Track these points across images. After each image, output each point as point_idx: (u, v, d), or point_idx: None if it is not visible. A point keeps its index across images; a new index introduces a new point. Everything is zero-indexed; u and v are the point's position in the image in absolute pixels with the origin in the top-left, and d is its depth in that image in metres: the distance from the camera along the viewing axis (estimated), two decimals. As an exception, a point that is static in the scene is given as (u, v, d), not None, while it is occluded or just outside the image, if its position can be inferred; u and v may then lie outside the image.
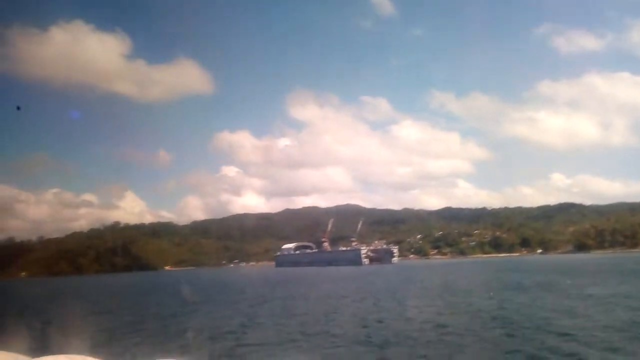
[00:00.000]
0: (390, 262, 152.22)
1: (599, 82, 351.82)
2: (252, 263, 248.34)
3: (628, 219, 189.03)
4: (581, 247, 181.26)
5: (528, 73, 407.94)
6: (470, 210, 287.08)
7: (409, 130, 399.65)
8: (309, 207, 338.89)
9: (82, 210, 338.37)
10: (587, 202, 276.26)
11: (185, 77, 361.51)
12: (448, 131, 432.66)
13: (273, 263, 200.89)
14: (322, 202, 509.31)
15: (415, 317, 24.86)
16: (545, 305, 27.24)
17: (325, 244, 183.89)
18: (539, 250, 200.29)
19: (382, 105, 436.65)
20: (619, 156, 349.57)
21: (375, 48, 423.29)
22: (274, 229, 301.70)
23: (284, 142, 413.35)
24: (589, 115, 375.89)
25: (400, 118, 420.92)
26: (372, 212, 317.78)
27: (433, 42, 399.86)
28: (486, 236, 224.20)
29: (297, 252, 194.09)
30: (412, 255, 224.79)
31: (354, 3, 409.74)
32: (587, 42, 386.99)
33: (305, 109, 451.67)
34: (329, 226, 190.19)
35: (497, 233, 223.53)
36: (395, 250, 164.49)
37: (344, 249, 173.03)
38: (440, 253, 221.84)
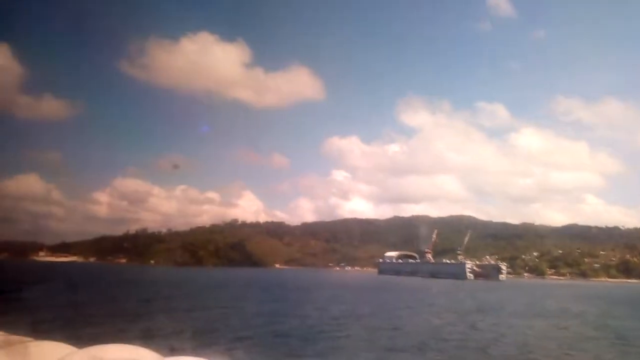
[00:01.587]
0: (497, 278, 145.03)
1: None
2: (357, 268, 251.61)
3: None
4: None
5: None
6: (598, 228, 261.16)
7: (529, 138, 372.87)
8: (418, 216, 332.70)
9: (206, 207, 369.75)
10: None
11: (298, 83, 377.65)
12: (575, 140, 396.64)
13: (377, 269, 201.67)
14: (433, 211, 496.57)
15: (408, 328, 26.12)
16: (522, 331, 27.56)
17: (428, 255, 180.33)
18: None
19: (499, 112, 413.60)
20: None
21: (491, 51, 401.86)
22: (381, 235, 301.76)
23: (393, 148, 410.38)
24: None
25: (520, 125, 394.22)
26: (486, 224, 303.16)
27: (558, 43, 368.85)
28: (613, 258, 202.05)
29: (400, 261, 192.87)
30: (526, 274, 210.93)
31: (469, 5, 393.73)
32: None
33: (416, 115, 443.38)
34: (433, 237, 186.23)
35: (628, 256, 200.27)
36: (504, 266, 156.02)
37: (448, 261, 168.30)
38: (557, 273, 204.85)
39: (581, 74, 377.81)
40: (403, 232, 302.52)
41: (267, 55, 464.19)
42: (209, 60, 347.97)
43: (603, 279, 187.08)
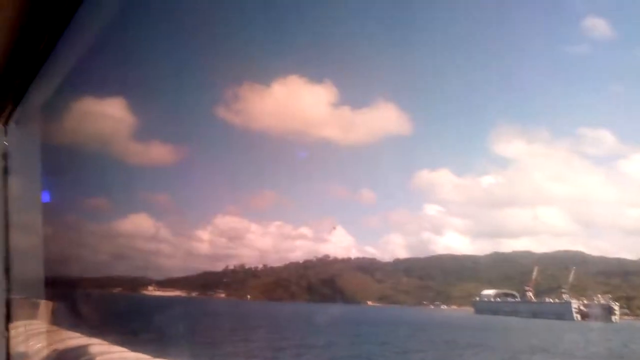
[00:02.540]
0: (608, 320, 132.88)
1: None
2: (453, 307, 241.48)
3: None
4: None
5: None
6: None
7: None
8: (520, 252, 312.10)
9: (299, 242, 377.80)
10: None
11: (385, 119, 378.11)
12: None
13: (473, 308, 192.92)
14: (536, 246, 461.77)
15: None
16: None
17: (529, 294, 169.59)
18: None
19: (605, 138, 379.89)
20: None
21: (591, 75, 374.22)
22: (479, 272, 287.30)
23: (487, 180, 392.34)
24: None
25: (630, 151, 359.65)
26: (597, 260, 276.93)
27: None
28: None
29: (498, 299, 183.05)
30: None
31: (563, 28, 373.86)
32: None
33: (511, 145, 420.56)
34: (534, 274, 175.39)
35: None
36: (616, 306, 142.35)
37: (551, 300, 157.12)
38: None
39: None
40: (503, 269, 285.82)
41: (353, 93, 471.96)
42: (298, 103, 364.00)
43: None
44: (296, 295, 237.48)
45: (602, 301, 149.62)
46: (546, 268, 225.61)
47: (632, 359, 34.45)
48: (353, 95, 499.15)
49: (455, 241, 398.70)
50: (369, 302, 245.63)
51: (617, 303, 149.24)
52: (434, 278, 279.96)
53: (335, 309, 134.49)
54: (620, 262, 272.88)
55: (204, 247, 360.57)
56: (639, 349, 44.96)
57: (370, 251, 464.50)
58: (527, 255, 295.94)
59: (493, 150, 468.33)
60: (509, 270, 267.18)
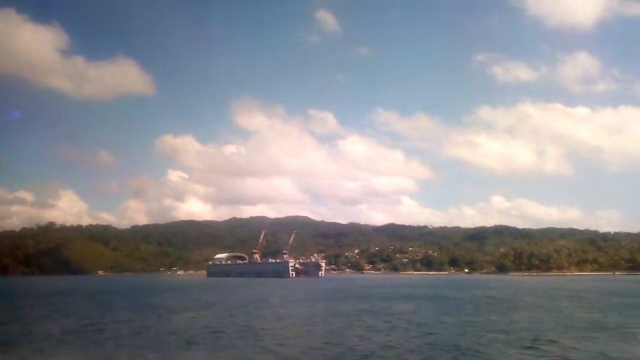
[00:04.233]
0: (317, 275, 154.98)
1: (532, 112, 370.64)
2: (190, 272, 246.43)
3: (546, 244, 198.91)
4: (501, 268, 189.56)
5: (468, 98, 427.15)
6: (411, 227, 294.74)
7: (355, 145, 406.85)
8: (257, 217, 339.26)
9: (15, 208, 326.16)
10: (524, 225, 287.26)
11: (124, 76, 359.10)
12: (393, 149, 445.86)
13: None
14: (270, 212, 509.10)
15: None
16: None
17: (256, 255, 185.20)
18: (466, 270, 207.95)
19: (329, 120, 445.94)
20: (553, 183, 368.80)
21: (321, 63, 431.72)
22: (219, 237, 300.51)
23: (229, 149, 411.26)
24: (525, 142, 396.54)
25: (347, 133, 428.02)
26: (318, 224, 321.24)
27: (378, 61, 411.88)
28: (419, 254, 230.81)
29: (229, 262, 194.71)
30: (347, 270, 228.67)
31: (300, 16, 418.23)
32: (522, 72, 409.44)
33: (252, 118, 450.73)
34: (261, 237, 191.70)
35: (430, 251, 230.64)
36: (323, 263, 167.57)
37: (273, 261, 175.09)
38: (374, 268, 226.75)
39: (397, 90, 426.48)
40: (240, 233, 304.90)
41: (88, 43, 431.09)
42: (15, 42, 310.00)
43: (410, 272, 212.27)
44: (8, 268, 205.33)
45: (314, 259, 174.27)
46: (276, 231, 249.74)
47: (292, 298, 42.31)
48: (88, 45, 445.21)
49: (197, 207, 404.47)
50: (100, 272, 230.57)
51: (324, 260, 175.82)
52: (174, 244, 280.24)
53: (49, 282, 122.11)
54: (334, 225, 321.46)
55: None
56: (302, 294, 54.53)
57: (106, 218, 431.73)
58: (262, 220, 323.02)
59: (236, 121, 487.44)
60: (245, 235, 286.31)
